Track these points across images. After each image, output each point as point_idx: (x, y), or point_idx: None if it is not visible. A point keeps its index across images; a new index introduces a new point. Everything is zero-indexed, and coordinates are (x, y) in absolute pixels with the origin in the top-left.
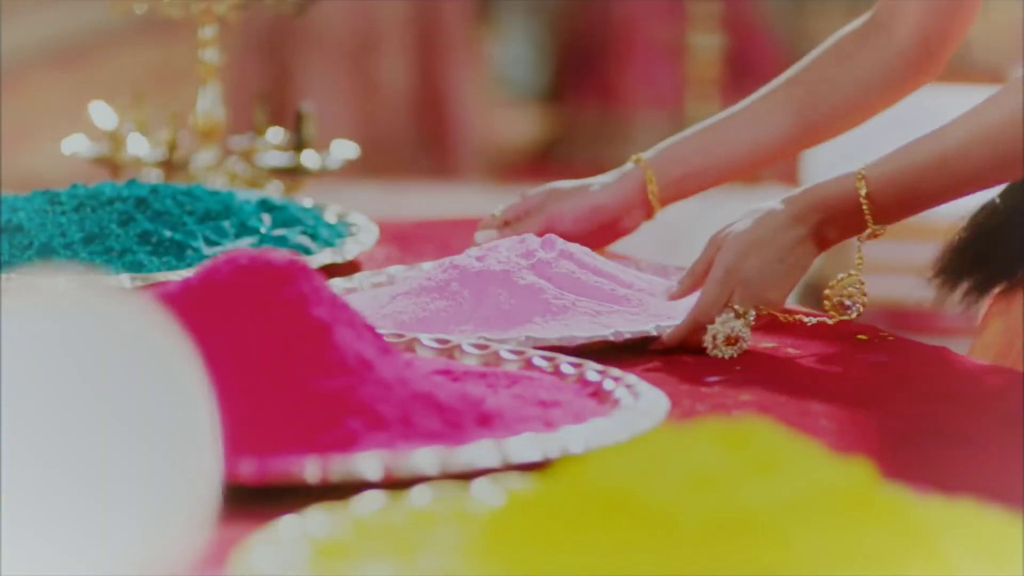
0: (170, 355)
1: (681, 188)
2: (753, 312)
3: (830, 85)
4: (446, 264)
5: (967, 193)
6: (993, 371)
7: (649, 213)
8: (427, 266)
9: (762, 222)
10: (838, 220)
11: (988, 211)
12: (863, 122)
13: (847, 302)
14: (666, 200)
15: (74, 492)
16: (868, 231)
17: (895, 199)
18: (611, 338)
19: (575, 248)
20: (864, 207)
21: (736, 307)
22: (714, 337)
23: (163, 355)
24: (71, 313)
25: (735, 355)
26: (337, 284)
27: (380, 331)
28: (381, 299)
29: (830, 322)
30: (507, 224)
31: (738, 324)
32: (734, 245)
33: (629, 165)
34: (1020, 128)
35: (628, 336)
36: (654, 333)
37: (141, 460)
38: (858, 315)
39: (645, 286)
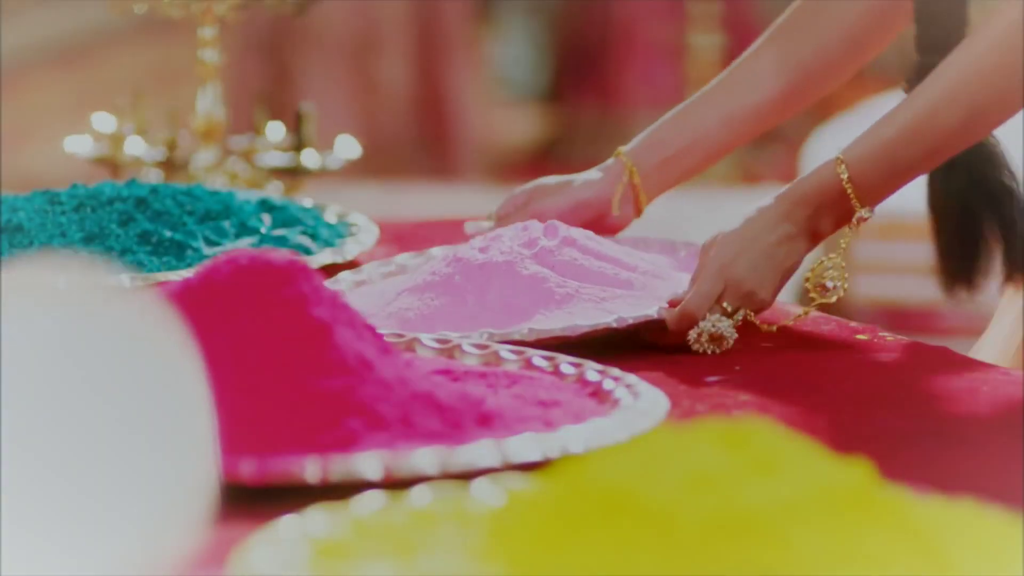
0: (167, 353)
1: (664, 175)
2: (742, 312)
3: (809, 35)
4: (449, 257)
5: (952, 154)
6: (993, 371)
7: (637, 207)
8: (436, 251)
9: (752, 221)
10: (827, 210)
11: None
12: (847, 77)
13: (828, 284)
14: (652, 190)
15: (69, 491)
16: (857, 216)
17: (878, 176)
18: (614, 324)
19: (578, 233)
20: (848, 191)
21: (726, 306)
22: (699, 335)
23: (160, 353)
24: (68, 310)
25: (717, 351)
26: (346, 277)
27: (381, 331)
28: (387, 295)
29: (791, 320)
30: (499, 223)
31: (725, 323)
32: (726, 243)
33: (611, 159)
34: (987, 78)
35: (631, 321)
36: (656, 316)
37: (137, 459)
38: (837, 299)
39: (650, 268)
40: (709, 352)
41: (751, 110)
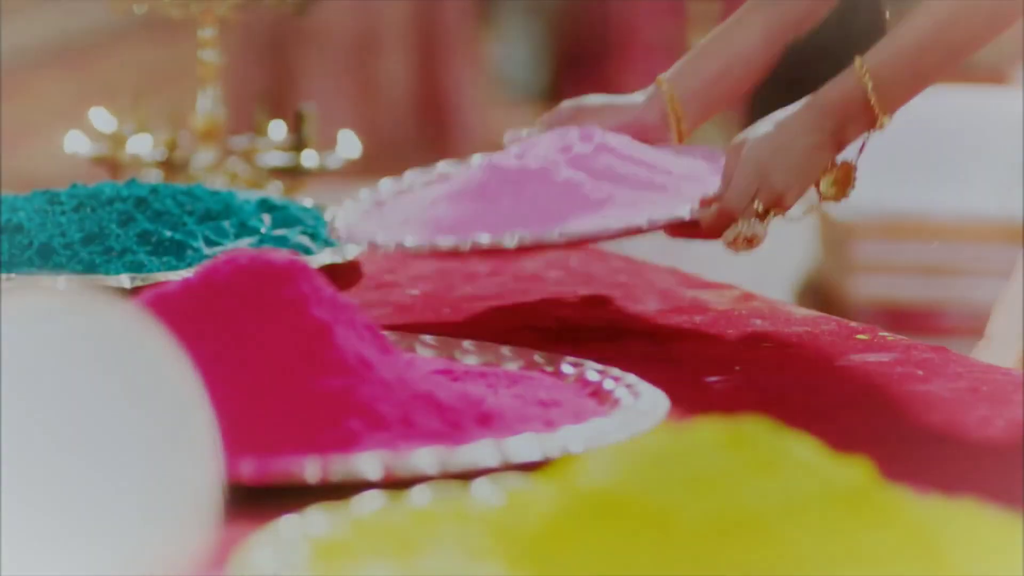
0: (164, 358)
1: (705, 100)
2: (773, 214)
3: None
4: (485, 164)
5: (966, 57)
6: (993, 371)
7: (679, 134)
8: (477, 159)
9: (784, 126)
10: (852, 120)
11: None
12: None
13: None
14: (692, 116)
15: (70, 495)
16: (878, 123)
17: (900, 84)
18: (645, 225)
19: (614, 140)
20: (873, 101)
21: (756, 206)
22: (736, 236)
23: (157, 358)
24: (67, 316)
25: (747, 251)
26: (387, 186)
27: (381, 330)
28: (423, 203)
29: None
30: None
31: (760, 227)
32: (761, 143)
33: (652, 86)
34: None
35: (662, 222)
36: (687, 217)
37: (139, 463)
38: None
39: (686, 171)
40: (739, 252)
41: (786, 25)
